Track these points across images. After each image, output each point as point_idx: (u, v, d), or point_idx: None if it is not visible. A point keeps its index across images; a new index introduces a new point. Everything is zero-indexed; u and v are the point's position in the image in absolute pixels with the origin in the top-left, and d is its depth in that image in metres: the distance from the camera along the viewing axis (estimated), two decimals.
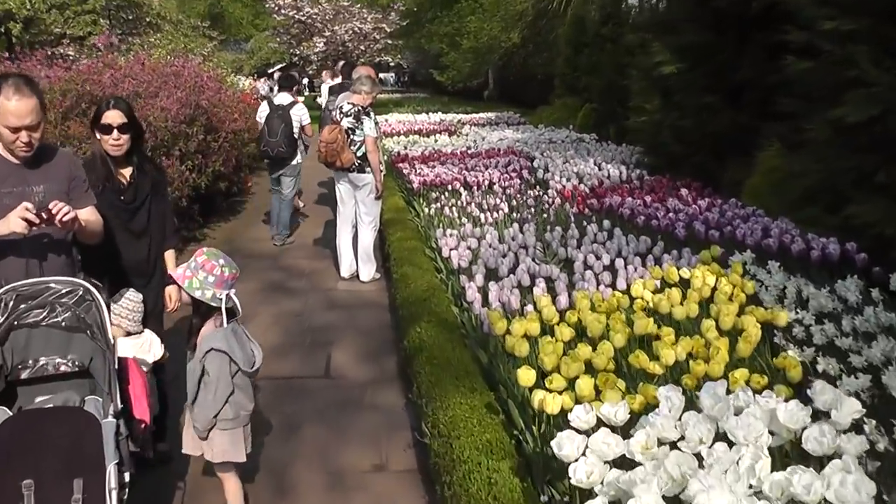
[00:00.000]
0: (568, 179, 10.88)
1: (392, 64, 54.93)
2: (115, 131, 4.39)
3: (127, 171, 4.54)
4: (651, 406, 3.78)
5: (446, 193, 10.57)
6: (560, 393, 3.80)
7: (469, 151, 14.45)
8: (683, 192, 9.32)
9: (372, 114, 8.41)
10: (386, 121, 21.89)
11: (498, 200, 9.73)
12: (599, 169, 11.73)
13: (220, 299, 3.78)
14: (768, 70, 9.85)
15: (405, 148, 15.24)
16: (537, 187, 10.57)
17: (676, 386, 3.45)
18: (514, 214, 9.09)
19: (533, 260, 6.75)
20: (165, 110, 9.61)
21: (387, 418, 5.45)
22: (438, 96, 39.46)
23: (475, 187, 10.69)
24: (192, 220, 10.59)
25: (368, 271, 8.74)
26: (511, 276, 6.28)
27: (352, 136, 8.30)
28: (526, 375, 3.94)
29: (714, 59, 10.43)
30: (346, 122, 8.30)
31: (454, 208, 9.52)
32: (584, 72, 20.59)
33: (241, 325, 3.93)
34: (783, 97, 8.29)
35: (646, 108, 11.39)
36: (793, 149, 8.24)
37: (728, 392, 3.27)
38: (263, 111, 10.44)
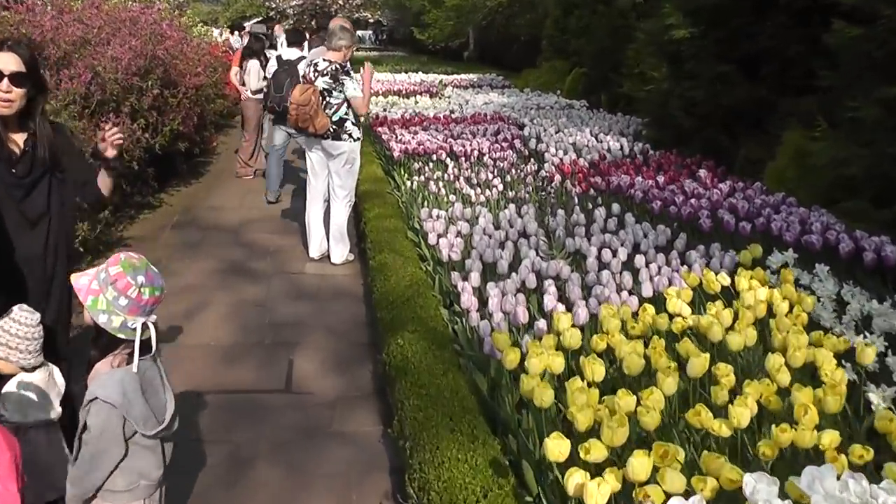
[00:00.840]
0: (565, 152, 9.76)
1: (371, 21, 52.97)
2: (6, 81, 3.21)
3: (20, 137, 3.35)
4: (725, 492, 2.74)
5: (430, 164, 9.44)
6: (601, 472, 2.71)
7: (453, 116, 13.29)
8: (702, 172, 8.21)
9: (352, 72, 7.25)
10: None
11: (489, 175, 8.59)
12: (598, 140, 10.61)
13: (132, 329, 2.62)
14: (791, 38, 8.75)
15: (384, 110, 14.00)
16: (531, 160, 9.44)
17: (762, 471, 2.44)
18: (510, 193, 7.96)
19: (537, 253, 5.65)
20: (116, 60, 8.34)
21: (360, 454, 4.33)
22: (417, 55, 38.04)
23: (462, 158, 9.55)
24: (145, 184, 9.37)
25: (341, 252, 7.60)
26: (513, 274, 5.18)
27: (328, 98, 7.13)
28: (557, 448, 2.83)
29: (730, 23, 9.31)
30: (322, 82, 7.11)
31: (440, 182, 8.38)
32: (573, 34, 19.37)
33: (159, 362, 2.78)
34: (820, 68, 7.21)
35: (653, 76, 10.24)
36: (821, 130, 7.17)
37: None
38: (272, 66, 9.58)
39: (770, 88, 8.99)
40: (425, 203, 7.97)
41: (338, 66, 7.11)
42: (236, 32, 20.26)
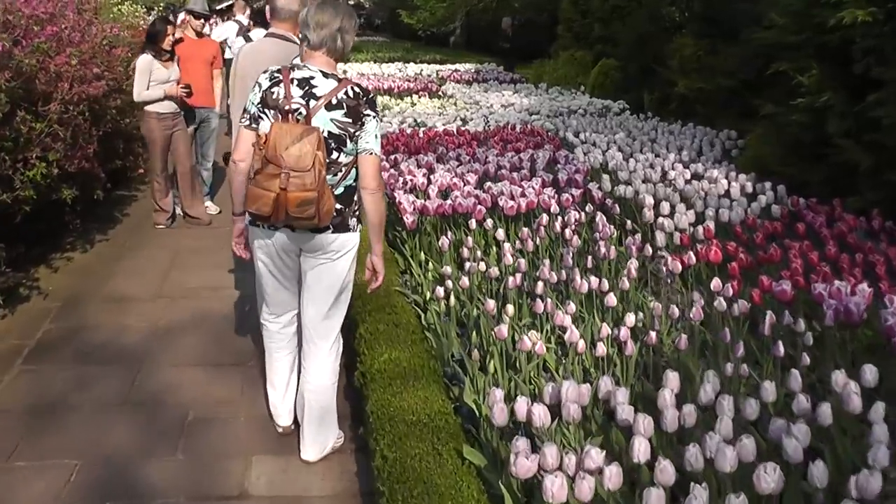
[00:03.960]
0: (672, 207, 5.96)
1: (351, 3, 48.60)
2: None
3: None
4: None
5: (467, 233, 5.66)
6: None
7: (471, 129, 9.45)
8: None
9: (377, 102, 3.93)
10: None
11: (570, 261, 4.81)
12: (702, 177, 6.83)
13: None
14: None
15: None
16: (631, 230, 5.65)
17: None
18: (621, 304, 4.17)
19: None
20: None
21: None
22: (399, 41, 33.97)
23: (514, 220, 5.79)
24: None
25: (321, 444, 3.82)
26: None
27: (334, 154, 3.37)
28: None
29: None
30: (330, 123, 3.35)
31: (492, 281, 4.58)
32: (597, 18, 15.55)
33: None
34: None
35: (799, 82, 6.36)
36: None
37: None
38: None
39: None
40: (482, 340, 4.21)
41: (359, 91, 3.40)
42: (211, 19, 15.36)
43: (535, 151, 7.72)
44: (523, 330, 4.14)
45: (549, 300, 4.17)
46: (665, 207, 5.90)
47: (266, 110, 3.35)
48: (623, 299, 4.40)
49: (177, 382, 4.60)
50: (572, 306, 4.12)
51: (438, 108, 12.02)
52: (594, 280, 4.30)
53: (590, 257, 4.84)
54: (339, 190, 3.41)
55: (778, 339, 3.61)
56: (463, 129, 9.63)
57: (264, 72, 3.43)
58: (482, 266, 4.79)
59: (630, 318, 3.76)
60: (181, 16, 8.99)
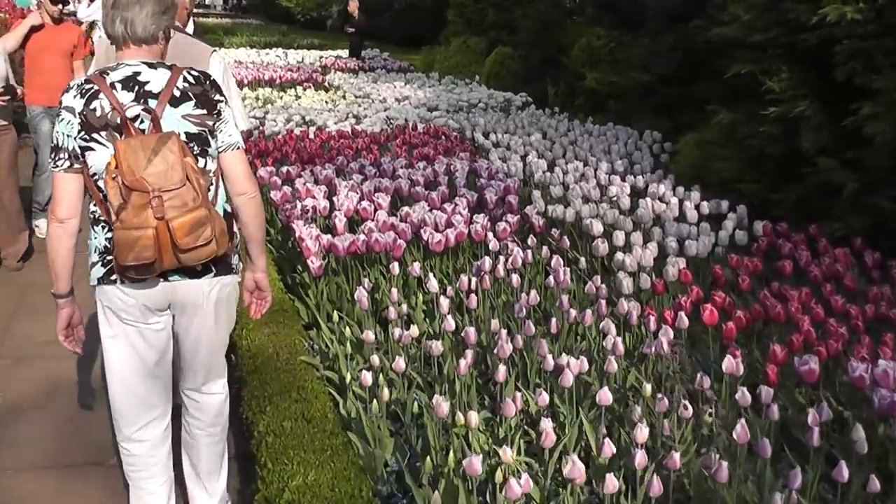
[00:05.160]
0: (627, 237, 4.90)
1: None
2: None
3: None
4: None
5: (382, 271, 4.49)
6: None
7: (368, 131, 8.25)
8: None
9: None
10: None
11: (520, 313, 3.72)
12: (656, 197, 5.83)
13: None
14: None
15: (259, 123, 8.62)
16: (594, 277, 4.53)
17: None
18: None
19: None
20: None
21: None
22: (274, 24, 32.19)
23: (440, 254, 4.65)
24: None
25: None
26: None
27: (203, 162, 2.54)
28: None
29: None
30: (183, 121, 2.50)
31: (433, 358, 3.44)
32: (491, 2, 14.52)
33: None
34: None
35: (774, 87, 5.36)
36: None
37: None
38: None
39: None
40: (416, 437, 3.07)
41: (193, 72, 2.59)
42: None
43: (450, 161, 6.56)
44: (487, 439, 3.01)
45: (518, 395, 3.03)
46: (618, 237, 4.85)
47: (94, 135, 2.43)
48: (613, 383, 3.32)
49: (17, 496, 3.27)
50: (545, 396, 3.02)
51: (326, 101, 10.72)
52: (572, 361, 3.19)
53: (552, 319, 3.73)
54: (218, 211, 2.57)
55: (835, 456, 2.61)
56: (358, 127, 8.41)
57: (66, 90, 2.48)
58: (414, 331, 3.62)
59: (642, 431, 2.67)
60: None
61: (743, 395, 2.91)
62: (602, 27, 10.60)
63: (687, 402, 2.95)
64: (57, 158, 2.44)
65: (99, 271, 2.53)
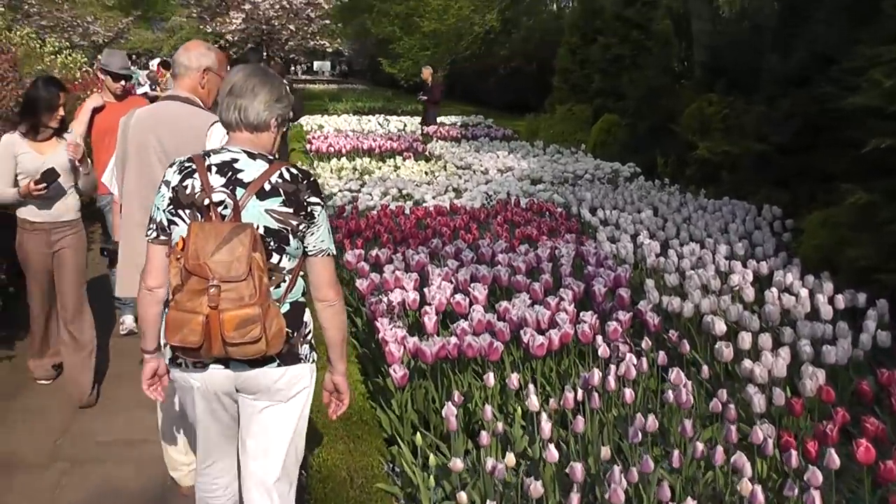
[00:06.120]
0: (755, 337, 4.29)
1: (329, 50, 46.32)
2: None
3: None
4: None
5: (474, 379, 4.00)
6: None
7: (467, 207, 7.83)
8: None
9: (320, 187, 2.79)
10: (321, 129, 15.00)
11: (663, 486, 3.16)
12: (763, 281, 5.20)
13: None
14: None
15: (352, 198, 8.31)
16: (720, 391, 3.93)
17: None
18: None
19: None
20: None
21: None
22: (380, 89, 32.53)
23: (542, 364, 4.13)
24: None
25: None
26: None
27: (277, 259, 2.53)
28: None
29: None
30: (265, 215, 2.48)
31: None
32: (597, 68, 14.08)
33: None
34: None
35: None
36: None
37: None
38: None
39: None
40: None
41: (293, 170, 2.59)
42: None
43: (554, 243, 6.07)
44: None
45: None
46: (744, 339, 4.24)
47: (180, 211, 2.52)
48: None
49: None
50: None
51: (426, 172, 10.40)
52: None
53: (673, 453, 3.16)
54: (285, 307, 2.57)
55: None
56: (457, 202, 8.00)
57: (171, 165, 2.60)
58: (510, 460, 3.11)
59: None
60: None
61: None
62: (714, 93, 10.06)
63: None
64: (149, 228, 2.57)
65: (170, 353, 2.61)
